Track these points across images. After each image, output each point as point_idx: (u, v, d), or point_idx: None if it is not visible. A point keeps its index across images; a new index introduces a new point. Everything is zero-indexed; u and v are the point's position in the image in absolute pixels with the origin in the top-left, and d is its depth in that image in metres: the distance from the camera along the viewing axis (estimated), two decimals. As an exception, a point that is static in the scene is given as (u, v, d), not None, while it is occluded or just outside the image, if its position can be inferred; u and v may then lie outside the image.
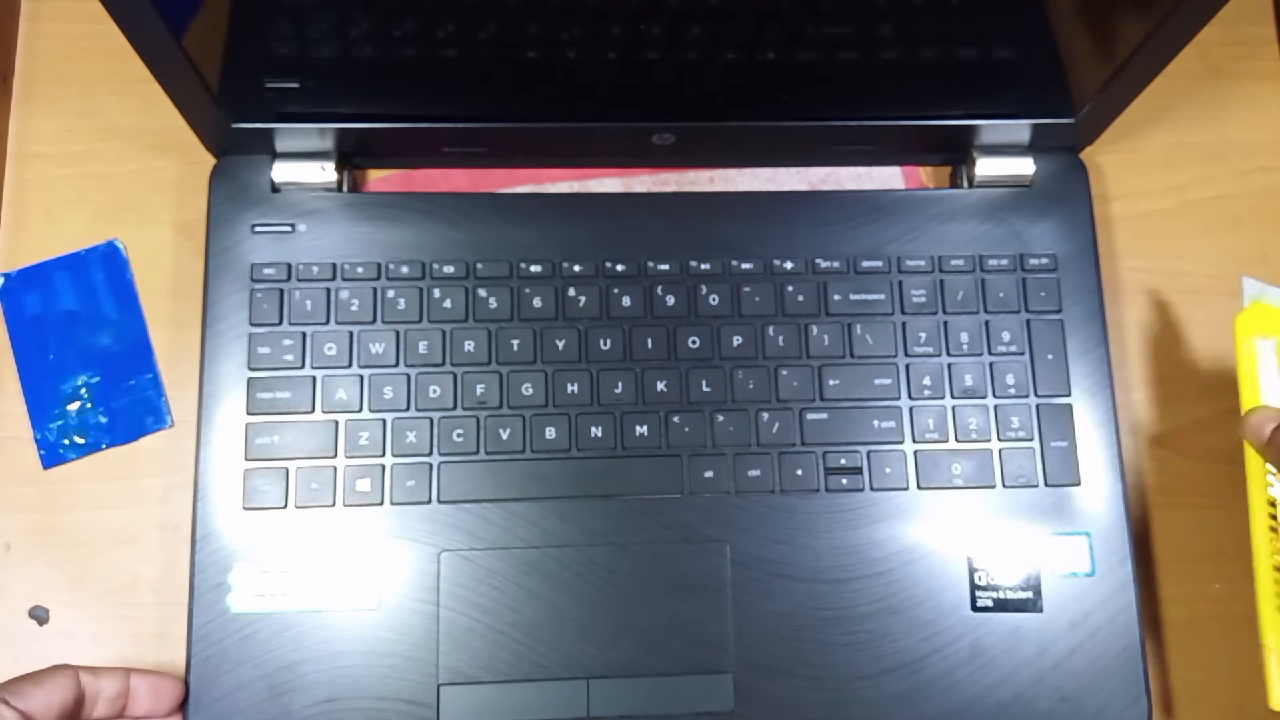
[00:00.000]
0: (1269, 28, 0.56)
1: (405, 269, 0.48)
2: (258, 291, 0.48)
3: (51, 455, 0.48)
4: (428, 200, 0.50)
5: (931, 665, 0.46)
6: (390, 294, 0.48)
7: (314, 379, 0.47)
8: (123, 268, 0.50)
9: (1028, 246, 0.50)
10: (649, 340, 0.48)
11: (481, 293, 0.48)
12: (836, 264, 0.50)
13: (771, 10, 0.43)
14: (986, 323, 0.49)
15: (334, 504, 0.46)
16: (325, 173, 0.49)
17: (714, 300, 0.49)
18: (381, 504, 0.46)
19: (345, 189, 0.50)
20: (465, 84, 0.46)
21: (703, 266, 0.49)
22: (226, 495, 0.46)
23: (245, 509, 0.46)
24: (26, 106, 0.52)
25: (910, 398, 0.48)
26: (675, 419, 0.48)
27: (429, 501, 0.46)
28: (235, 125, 0.47)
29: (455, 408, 0.47)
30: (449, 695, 0.44)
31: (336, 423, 0.47)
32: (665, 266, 0.49)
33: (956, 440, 0.48)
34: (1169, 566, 0.49)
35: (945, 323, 0.49)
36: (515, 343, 0.48)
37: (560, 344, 0.48)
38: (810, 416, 0.48)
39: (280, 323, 0.48)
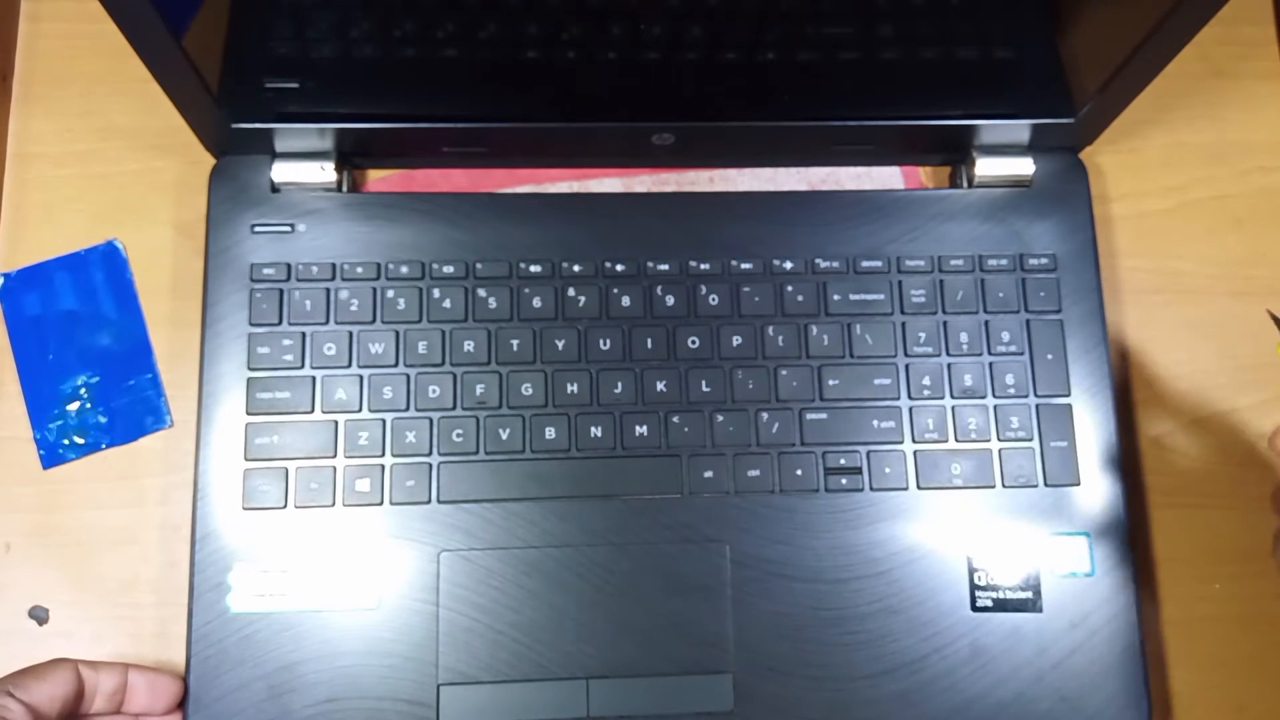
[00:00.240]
0: (1269, 28, 0.56)
1: (405, 269, 0.48)
2: (257, 291, 0.48)
3: (51, 455, 0.48)
4: (428, 200, 0.50)
5: (931, 665, 0.46)
6: (390, 294, 0.48)
7: (313, 379, 0.47)
8: (122, 268, 0.50)
9: (1027, 246, 0.50)
10: (649, 340, 0.48)
11: (481, 293, 0.48)
12: (836, 264, 0.50)
13: (771, 10, 0.43)
14: (986, 323, 0.49)
15: (334, 504, 0.46)
16: (325, 173, 0.49)
17: (714, 300, 0.49)
18: (381, 504, 0.46)
19: (345, 189, 0.50)
20: (465, 84, 0.46)
21: (702, 266, 0.49)
22: (226, 495, 0.46)
23: (245, 509, 0.46)
24: (26, 106, 0.52)
25: (910, 398, 0.48)
26: (675, 419, 0.48)
27: (429, 501, 0.46)
28: (235, 125, 0.47)
29: (455, 408, 0.47)
30: (449, 695, 0.44)
31: (336, 423, 0.47)
32: (665, 266, 0.49)
33: (956, 440, 0.48)
34: (1169, 566, 0.49)
35: (945, 323, 0.49)
36: (515, 343, 0.48)
37: (560, 344, 0.48)
38: (810, 416, 0.48)
39: (280, 323, 0.48)
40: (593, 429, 0.47)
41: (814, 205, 0.51)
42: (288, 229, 0.49)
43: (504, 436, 0.47)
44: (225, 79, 0.45)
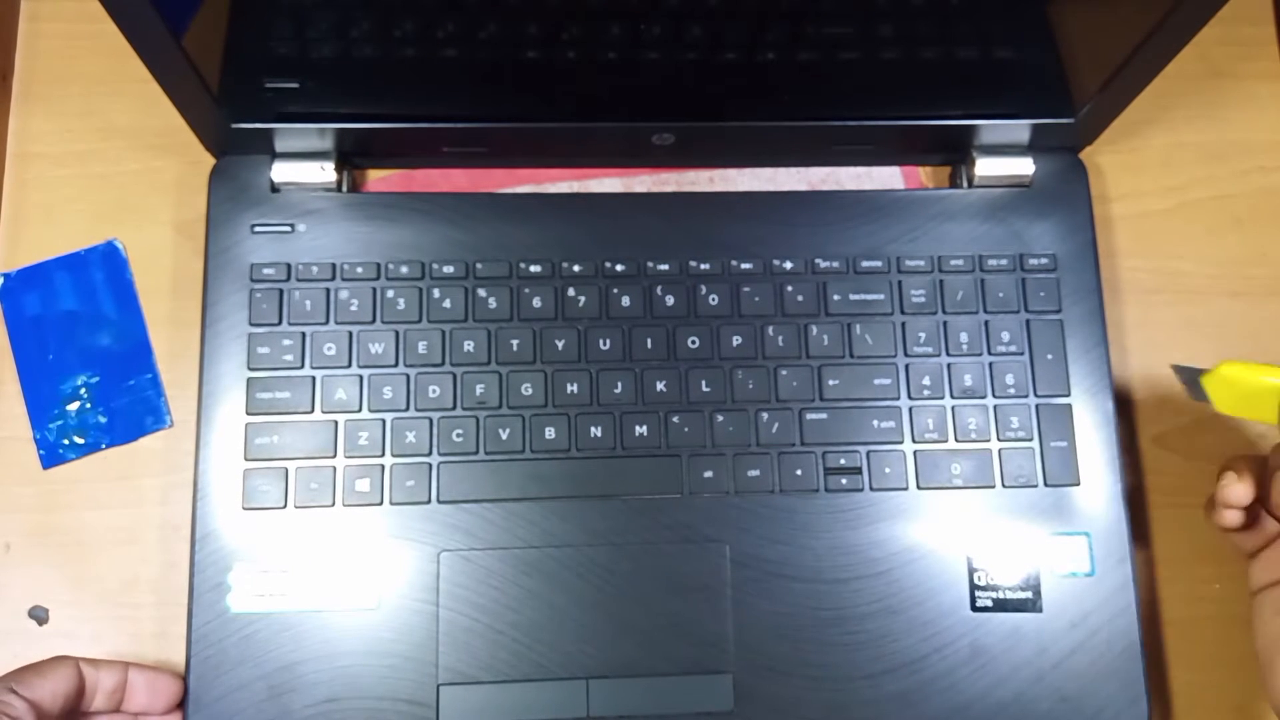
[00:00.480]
0: (1269, 28, 0.56)
1: (405, 269, 0.48)
2: (257, 291, 0.48)
3: (51, 455, 0.48)
4: (428, 200, 0.50)
5: (931, 665, 0.46)
6: (390, 294, 0.48)
7: (313, 379, 0.47)
8: (122, 268, 0.50)
9: (1027, 246, 0.50)
10: (649, 340, 0.48)
11: (481, 293, 0.48)
12: (836, 264, 0.50)
13: (771, 10, 0.43)
14: (986, 323, 0.49)
15: (333, 504, 0.46)
16: (325, 173, 0.49)
17: (714, 300, 0.49)
18: (381, 504, 0.46)
19: (345, 189, 0.50)
20: (465, 84, 0.46)
21: (702, 266, 0.49)
22: (226, 495, 0.46)
23: (245, 509, 0.46)
24: (26, 106, 0.52)
25: (910, 398, 0.48)
26: (675, 419, 0.48)
27: (428, 501, 0.46)
28: (235, 125, 0.47)
29: (455, 408, 0.47)
30: (449, 695, 0.44)
31: (336, 423, 0.47)
32: (665, 266, 0.49)
33: (956, 440, 0.48)
34: (1169, 566, 0.49)
35: (945, 323, 0.49)
36: (515, 343, 0.48)
37: (560, 344, 0.48)
38: (810, 416, 0.48)
39: (280, 323, 0.48)
40: (593, 429, 0.47)
41: (814, 205, 0.51)
42: (288, 229, 0.49)
43: (504, 436, 0.47)
44: (225, 79, 0.45)
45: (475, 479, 0.46)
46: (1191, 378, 0.44)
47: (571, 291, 0.49)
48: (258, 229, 0.49)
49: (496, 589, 0.45)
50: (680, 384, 0.48)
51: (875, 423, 0.48)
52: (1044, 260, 0.50)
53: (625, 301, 0.49)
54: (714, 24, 0.43)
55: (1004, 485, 0.48)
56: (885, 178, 0.53)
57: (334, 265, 0.48)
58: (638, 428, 0.47)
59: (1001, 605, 0.46)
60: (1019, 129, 0.50)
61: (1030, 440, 0.48)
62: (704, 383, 0.48)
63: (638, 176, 0.53)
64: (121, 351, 0.49)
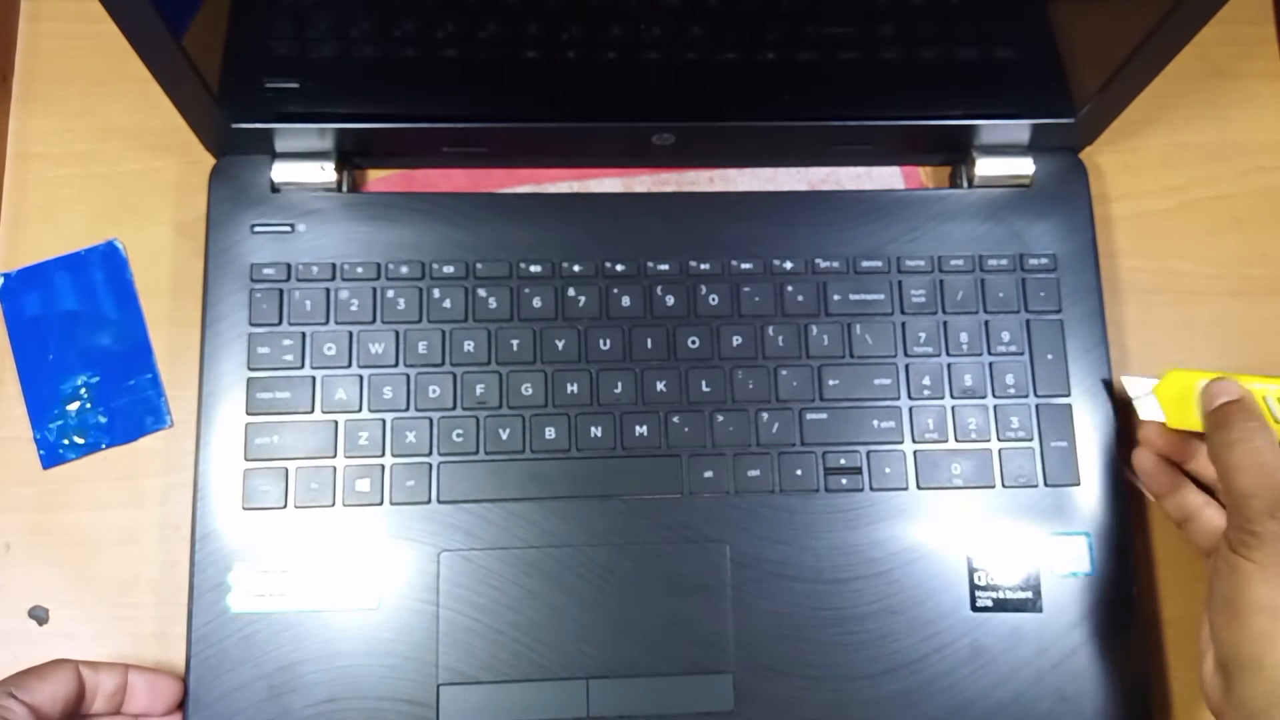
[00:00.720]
0: (1269, 28, 0.56)
1: (405, 269, 0.48)
2: (257, 291, 0.48)
3: (51, 455, 0.48)
4: (428, 200, 0.50)
5: (931, 665, 0.46)
6: (390, 294, 0.48)
7: (313, 379, 0.47)
8: (122, 268, 0.50)
9: (1027, 246, 0.50)
10: (649, 340, 0.48)
11: (481, 293, 0.48)
12: (836, 264, 0.50)
13: (771, 10, 0.43)
14: (986, 323, 0.49)
15: (334, 504, 0.46)
16: (325, 173, 0.49)
17: (714, 300, 0.49)
18: (381, 504, 0.46)
19: (345, 189, 0.50)
20: (465, 84, 0.46)
21: (702, 266, 0.49)
22: (226, 495, 0.46)
23: (245, 509, 0.46)
24: (26, 106, 0.52)
25: (910, 398, 0.48)
26: (675, 419, 0.48)
27: (429, 501, 0.46)
28: (235, 125, 0.47)
29: (455, 408, 0.47)
30: (449, 695, 0.44)
31: (336, 423, 0.47)
32: (665, 266, 0.49)
33: (956, 440, 0.48)
34: (1169, 566, 0.49)
35: (945, 323, 0.49)
36: (515, 343, 0.48)
37: (560, 344, 0.48)
38: (810, 416, 0.48)
39: (280, 323, 0.48)
40: (593, 429, 0.47)
41: (814, 205, 0.51)
42: (288, 229, 0.49)
43: (504, 436, 0.47)
44: (225, 79, 0.45)
45: (475, 479, 0.46)
46: (1141, 390, 0.45)
47: (571, 291, 0.49)
48: (258, 229, 0.49)
49: (496, 589, 0.45)
50: (680, 384, 0.48)
51: (875, 423, 0.48)
52: (1044, 260, 0.50)
53: (625, 301, 0.49)
54: (714, 24, 0.43)
55: (1004, 485, 0.48)
56: (885, 178, 0.53)
57: (334, 265, 0.48)
58: (638, 428, 0.47)
59: (1001, 605, 0.46)
60: (1019, 129, 0.50)
61: (1030, 440, 0.48)
62: (704, 383, 0.48)
63: (638, 176, 0.53)
64: (121, 351, 0.49)
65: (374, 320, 0.48)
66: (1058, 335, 0.49)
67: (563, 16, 0.42)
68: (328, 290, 0.48)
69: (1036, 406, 0.48)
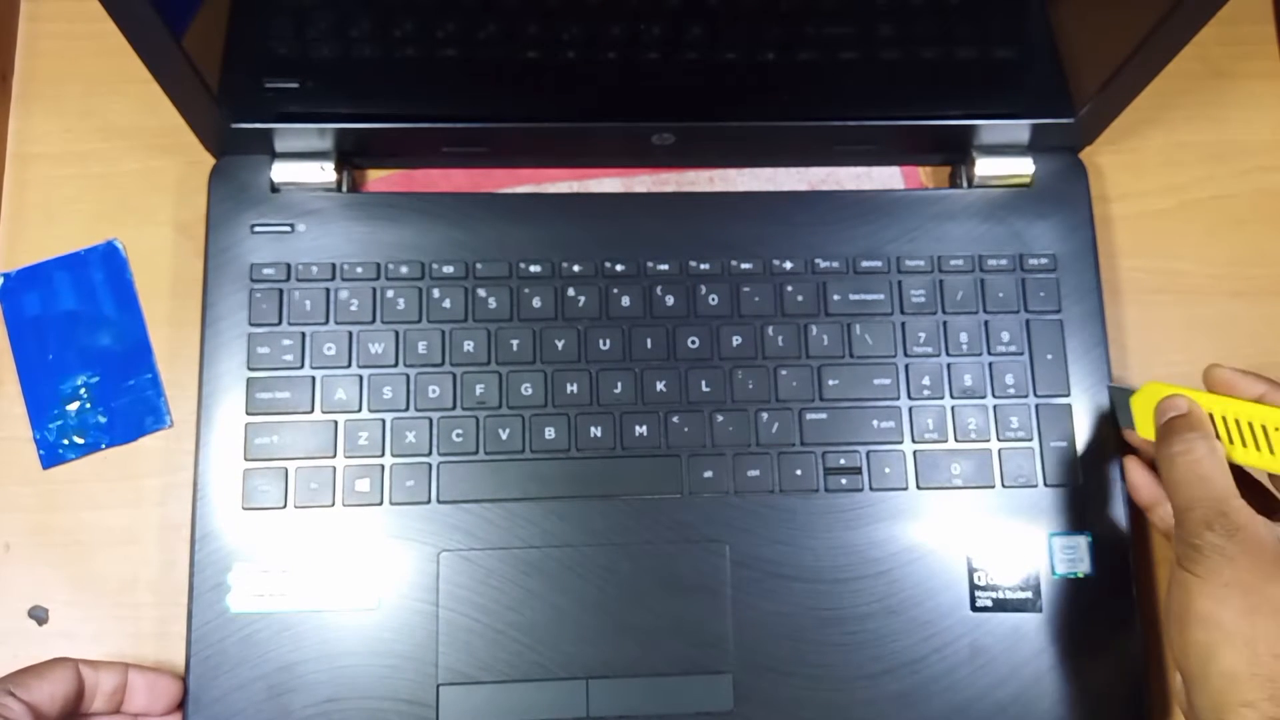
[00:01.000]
0: (1269, 28, 0.56)
1: (405, 269, 0.48)
2: (257, 291, 0.48)
3: (51, 455, 0.48)
4: (428, 200, 0.50)
5: (931, 665, 0.46)
6: (390, 294, 0.48)
7: (313, 379, 0.47)
8: (122, 268, 0.50)
9: (1027, 246, 0.50)
10: (648, 340, 0.48)
11: (481, 293, 0.48)
12: (836, 264, 0.50)
13: (771, 10, 0.43)
14: (986, 323, 0.49)
15: (333, 504, 0.46)
16: (325, 173, 0.49)
17: (713, 300, 0.49)
18: (381, 504, 0.46)
19: (345, 189, 0.50)
20: (465, 84, 0.46)
21: (702, 266, 0.49)
22: (226, 495, 0.46)
23: (245, 509, 0.46)
24: (26, 106, 0.52)
25: (910, 398, 0.48)
26: (675, 419, 0.48)
27: (428, 501, 0.46)
28: (235, 125, 0.47)
29: (455, 408, 0.47)
30: (449, 695, 0.44)
31: (336, 423, 0.47)
32: (665, 266, 0.49)
33: (956, 440, 0.48)
34: (1169, 567, 0.49)
35: (945, 323, 0.49)
36: (515, 343, 0.48)
37: (560, 344, 0.48)
38: (810, 416, 0.48)
39: (279, 323, 0.48)
40: (593, 429, 0.47)
41: (814, 205, 0.51)
42: (288, 229, 0.49)
43: (504, 436, 0.47)
44: (225, 79, 0.45)
45: (475, 479, 0.46)
46: (1122, 399, 0.45)
47: (571, 291, 0.49)
48: (258, 229, 0.49)
49: (496, 589, 0.45)
50: (680, 384, 0.48)
51: (875, 423, 0.48)
52: (1044, 260, 0.50)
53: (625, 301, 0.49)
54: (714, 24, 0.43)
55: (1004, 485, 0.48)
56: (885, 178, 0.53)
57: (334, 265, 0.48)
58: (638, 428, 0.47)
59: (1001, 605, 0.46)
60: (1019, 129, 0.50)
61: (1030, 440, 0.48)
62: (704, 383, 0.48)
63: (638, 176, 0.53)
64: (121, 351, 0.49)
65: (374, 320, 0.48)
66: (1057, 335, 0.49)
67: (563, 16, 0.42)
68: (328, 290, 0.48)
69: (1036, 406, 0.48)
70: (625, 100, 0.48)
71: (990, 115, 0.49)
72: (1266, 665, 0.36)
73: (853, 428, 0.48)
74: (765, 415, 0.48)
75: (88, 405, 0.48)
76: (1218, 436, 0.41)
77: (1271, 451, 0.41)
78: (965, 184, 0.52)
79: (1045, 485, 0.48)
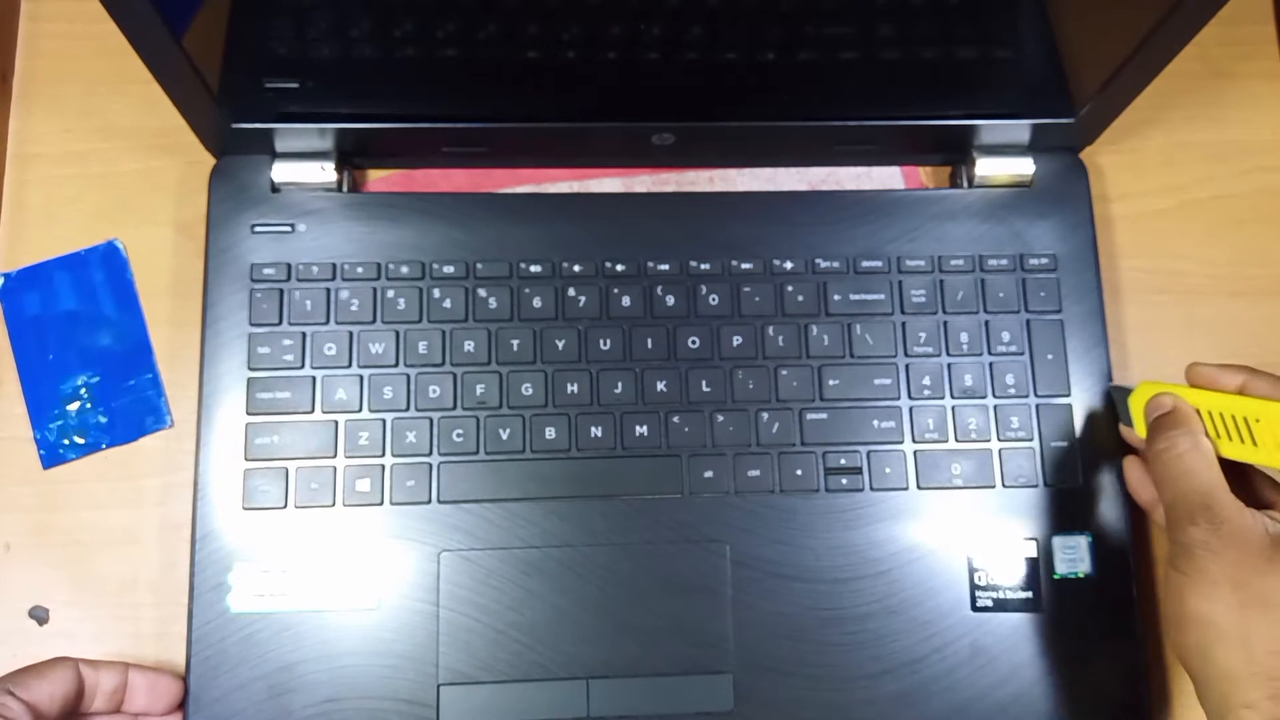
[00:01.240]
0: (1269, 28, 0.56)
1: (405, 269, 0.48)
2: (257, 291, 0.48)
3: (51, 455, 0.48)
4: (428, 200, 0.50)
5: (931, 665, 0.46)
6: (390, 294, 0.48)
7: (314, 379, 0.47)
8: (122, 268, 0.50)
9: (1027, 246, 0.50)
10: (649, 340, 0.48)
11: (481, 293, 0.48)
12: (836, 264, 0.50)
13: (771, 10, 0.43)
14: (986, 323, 0.49)
15: (334, 504, 0.46)
16: (325, 173, 0.49)
17: (714, 300, 0.49)
18: (381, 504, 0.46)
19: (345, 189, 0.50)
20: (465, 84, 0.46)
21: (702, 266, 0.49)
22: (226, 495, 0.46)
23: (245, 509, 0.46)
24: (26, 106, 0.52)
25: (910, 398, 0.48)
26: (675, 419, 0.48)
27: (429, 501, 0.46)
28: (235, 125, 0.47)
29: (455, 408, 0.47)
30: (449, 695, 0.44)
31: (336, 423, 0.47)
32: (665, 266, 0.49)
33: (956, 440, 0.48)
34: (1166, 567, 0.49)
35: (945, 323, 0.49)
36: (515, 343, 0.48)
37: (560, 344, 0.48)
38: (810, 416, 0.48)
39: (280, 323, 0.48)
40: (593, 429, 0.47)
41: (814, 205, 0.51)
42: (288, 229, 0.49)
43: (504, 436, 0.47)
44: (225, 79, 0.45)
45: (475, 479, 0.46)
46: (1122, 399, 0.45)
47: (571, 291, 0.49)
48: (258, 229, 0.49)
49: (496, 589, 0.45)
50: (680, 384, 0.48)
51: (875, 423, 0.48)
52: (1044, 260, 0.50)
53: (625, 301, 0.49)
54: (714, 24, 0.43)
55: (1004, 485, 0.48)
56: (885, 178, 0.53)
57: (334, 265, 0.48)
58: (638, 428, 0.47)
59: (1001, 605, 0.46)
60: (1019, 129, 0.50)
61: (1030, 440, 0.48)
62: (704, 383, 0.48)
63: (638, 176, 0.53)
64: (121, 351, 0.49)
65: (374, 320, 0.48)
66: (1058, 335, 0.49)
67: (563, 16, 0.42)
68: (328, 290, 0.48)
69: (1036, 406, 0.48)
70: (625, 100, 0.48)
71: (990, 115, 0.49)
72: (1263, 662, 0.36)
73: (853, 428, 0.48)
74: (765, 415, 0.48)
75: (88, 405, 0.48)
76: (1206, 432, 0.41)
77: (1255, 444, 0.41)
78: (965, 184, 0.52)
79: (1045, 485, 0.48)
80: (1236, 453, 0.41)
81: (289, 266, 0.48)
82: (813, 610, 0.46)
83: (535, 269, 0.49)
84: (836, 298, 0.49)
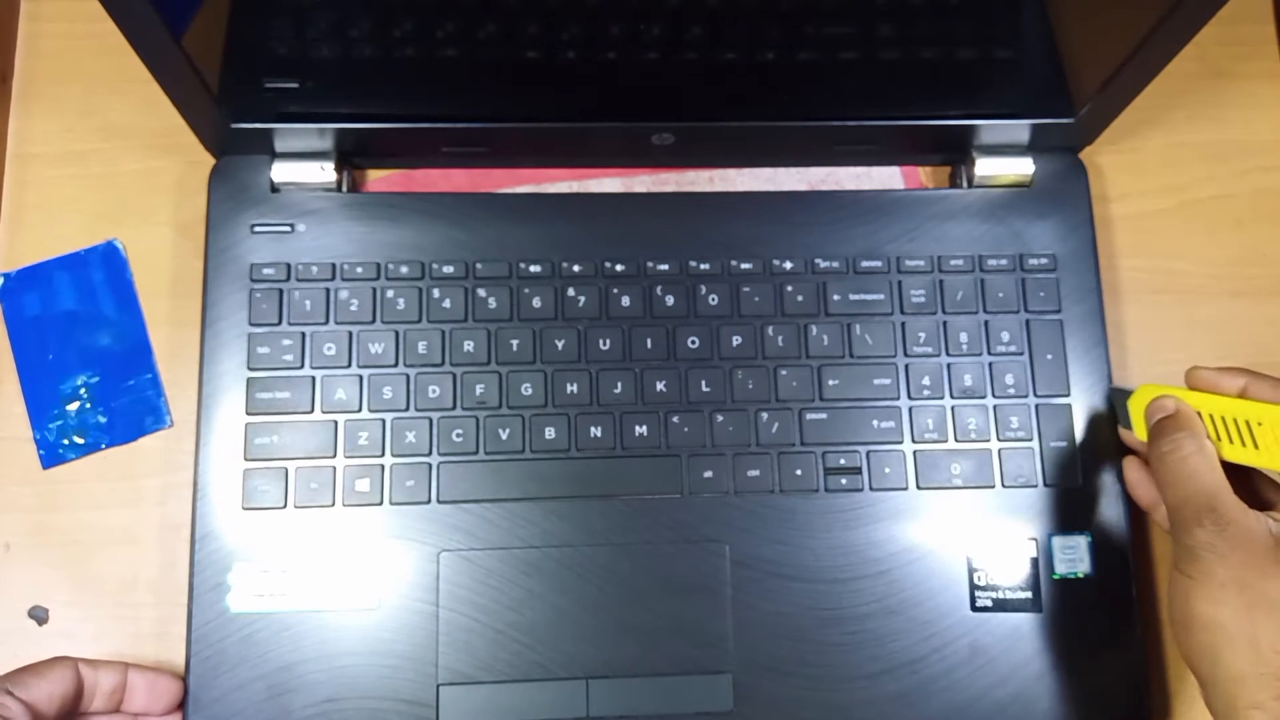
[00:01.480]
0: (1269, 28, 0.56)
1: (405, 269, 0.48)
2: (257, 291, 0.48)
3: (51, 455, 0.48)
4: (428, 200, 0.50)
5: (930, 665, 0.46)
6: (390, 294, 0.48)
7: (313, 379, 0.47)
8: (122, 268, 0.50)
9: (1027, 246, 0.50)
10: (648, 340, 0.48)
11: (481, 293, 0.48)
12: (836, 264, 0.50)
13: (771, 10, 0.43)
14: (986, 323, 0.49)
15: (333, 504, 0.46)
16: (324, 173, 0.49)
17: (713, 300, 0.49)
18: (381, 504, 0.46)
19: (345, 189, 0.50)
20: (465, 84, 0.46)
21: (702, 266, 0.49)
22: (226, 495, 0.46)
23: (244, 509, 0.46)
24: (26, 106, 0.52)
25: (910, 398, 0.48)
26: (675, 419, 0.48)
27: (428, 501, 0.46)
28: (235, 125, 0.47)
29: (455, 408, 0.47)
30: (448, 695, 0.44)
31: (336, 423, 0.47)
32: (665, 266, 0.49)
33: (956, 440, 0.48)
34: (1169, 567, 0.49)
35: (944, 323, 0.49)
36: (515, 343, 0.48)
37: (560, 344, 0.48)
38: (810, 416, 0.48)
39: (279, 323, 0.48)
40: (592, 429, 0.47)
41: (814, 205, 0.51)
42: (287, 229, 0.49)
43: (504, 436, 0.47)
44: (225, 79, 0.45)
45: (475, 479, 0.46)
46: (1121, 401, 0.45)
47: (571, 291, 0.49)
48: (258, 229, 0.49)
49: (496, 589, 0.45)
50: (680, 384, 0.48)
51: (875, 423, 0.48)
52: (1044, 260, 0.50)
53: (625, 301, 0.49)
54: (714, 24, 0.43)
55: (1004, 485, 0.48)
56: (885, 178, 0.53)
57: (334, 265, 0.48)
58: (637, 428, 0.47)
59: (1001, 605, 0.46)
60: (1019, 129, 0.50)
61: (1030, 440, 0.48)
62: (704, 383, 0.48)
63: (638, 176, 0.53)
64: (121, 351, 0.49)
65: (374, 320, 0.48)
66: (1057, 335, 0.49)
67: (563, 16, 0.42)
68: (327, 290, 0.48)
69: (1036, 406, 0.48)
70: (625, 100, 0.48)
71: (990, 115, 0.49)
72: (1271, 663, 0.36)
73: (853, 428, 0.48)
74: (765, 415, 0.48)
75: (88, 405, 0.48)
76: (1208, 436, 0.41)
77: (1257, 447, 0.41)
78: (965, 184, 0.52)
79: (1045, 485, 0.48)
80: (1238, 456, 0.41)
81: (288, 266, 0.48)
82: (812, 610, 0.46)
83: (535, 269, 0.49)
84: (836, 298, 0.49)
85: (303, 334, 0.47)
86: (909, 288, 0.49)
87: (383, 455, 0.46)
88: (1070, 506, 0.47)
